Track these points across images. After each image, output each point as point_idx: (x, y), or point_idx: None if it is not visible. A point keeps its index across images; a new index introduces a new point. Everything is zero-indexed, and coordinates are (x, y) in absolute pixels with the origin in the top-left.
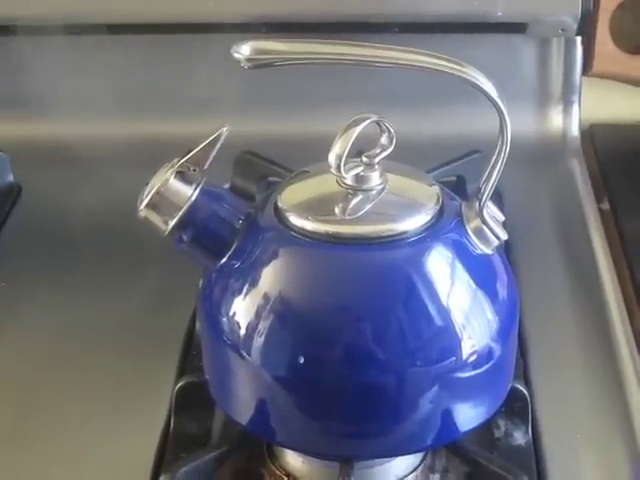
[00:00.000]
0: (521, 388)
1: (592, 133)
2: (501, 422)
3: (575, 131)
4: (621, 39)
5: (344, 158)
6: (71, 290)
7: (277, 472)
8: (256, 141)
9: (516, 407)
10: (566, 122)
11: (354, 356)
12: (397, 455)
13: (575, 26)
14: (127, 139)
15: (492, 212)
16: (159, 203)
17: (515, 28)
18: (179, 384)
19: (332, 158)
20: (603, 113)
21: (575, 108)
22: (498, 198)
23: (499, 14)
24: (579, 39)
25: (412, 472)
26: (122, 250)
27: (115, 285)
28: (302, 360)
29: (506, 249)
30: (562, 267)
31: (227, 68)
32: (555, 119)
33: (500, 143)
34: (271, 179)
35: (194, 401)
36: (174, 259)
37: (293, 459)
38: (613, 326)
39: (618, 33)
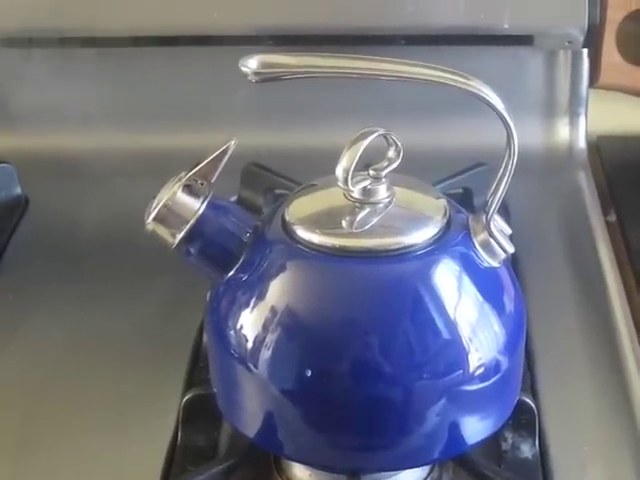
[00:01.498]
0: (528, 401)
1: (599, 145)
2: (508, 435)
3: (582, 143)
4: (628, 51)
5: (351, 171)
6: (78, 301)
7: None
8: (263, 153)
9: (523, 420)
10: (573, 134)
11: (361, 369)
12: (404, 468)
13: (582, 38)
14: (134, 152)
15: (499, 225)
16: (167, 216)
17: (522, 40)
18: (186, 397)
19: (339, 171)
20: (610, 125)
21: (582, 120)
22: (505, 211)
23: (506, 26)
24: (585, 51)
25: None
26: (129, 262)
27: (122, 297)
28: (309, 373)
29: (513, 262)
30: (569, 279)
31: (233, 80)
32: (562, 131)
33: (507, 156)
34: (278, 191)
35: (201, 413)
36: (181, 271)
37: (300, 472)
38: (620, 338)
39: (625, 45)
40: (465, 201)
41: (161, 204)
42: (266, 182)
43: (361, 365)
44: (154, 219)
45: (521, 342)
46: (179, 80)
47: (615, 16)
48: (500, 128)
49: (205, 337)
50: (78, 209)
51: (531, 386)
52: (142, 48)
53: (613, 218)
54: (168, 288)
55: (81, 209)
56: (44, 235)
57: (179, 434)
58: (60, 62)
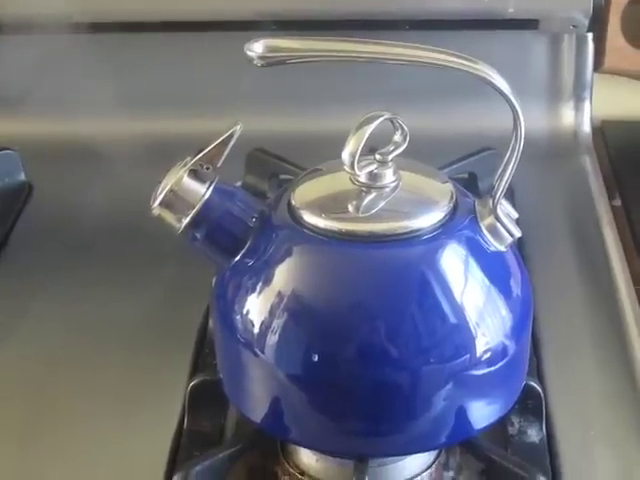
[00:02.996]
0: (535, 385)
1: (603, 129)
2: (515, 419)
3: (587, 127)
4: (632, 35)
5: (357, 156)
6: (82, 288)
7: (291, 470)
8: (267, 139)
9: (530, 404)
10: (578, 118)
11: (368, 354)
12: (412, 453)
13: (586, 22)
14: (139, 137)
15: (506, 209)
16: (172, 201)
17: (526, 24)
18: (193, 382)
19: (346, 156)
20: (614, 109)
21: (586, 104)
22: (510, 195)
23: (510, 10)
24: (590, 35)
25: (426, 470)
26: (134, 248)
27: (127, 283)
28: (316, 358)
29: (518, 246)
30: (575, 264)
31: (238, 66)
32: (566, 115)
33: (514, 140)
34: (283, 177)
35: (208, 399)
36: (187, 257)
37: (307, 457)
38: (626, 323)
39: (629, 29)
40: (470, 186)
41: (167, 189)
42: (271, 167)
43: (368, 349)
44: (160, 204)
45: (528, 326)
46: (183, 66)
47: (620, 0)
48: (506, 112)
49: (211, 323)
50: (82, 195)
51: (537, 370)
52: (146, 33)
53: (618, 202)
54: (173, 274)
55: (85, 195)
56: (48, 221)
57: (185, 419)
58: (64, 47)
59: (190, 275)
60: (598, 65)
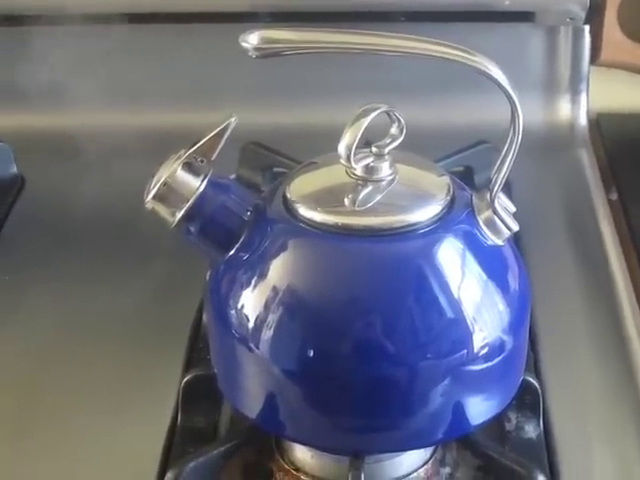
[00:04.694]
0: (532, 381)
1: (599, 122)
2: (512, 415)
3: (583, 120)
4: (629, 28)
5: (354, 148)
6: (75, 282)
7: (286, 467)
8: (262, 132)
9: (527, 400)
10: (574, 111)
11: (364, 349)
12: (408, 449)
13: (583, 14)
14: (132, 130)
15: (503, 203)
16: (166, 195)
17: (523, 17)
18: (186, 377)
19: (342, 149)
20: (610, 103)
21: (583, 97)
22: (507, 189)
23: (507, 3)
24: (587, 28)
25: (423, 466)
26: (127, 242)
27: (120, 277)
28: (312, 353)
29: (515, 240)
30: (572, 257)
31: (232, 58)
32: (563, 108)
33: (511, 133)
34: (277, 170)
35: (201, 394)
36: (179, 251)
37: (302, 454)
38: (624, 317)
39: (626, 22)
40: (466, 179)
41: (160, 182)
42: (265, 161)
43: (364, 345)
44: (153, 197)
45: (525, 321)
46: (176, 58)
47: None
48: (502, 105)
49: (205, 317)
50: (75, 188)
51: (534, 366)
52: (139, 25)
53: (614, 196)
54: (167, 268)
55: (78, 188)
56: (40, 215)
57: (179, 415)
58: (56, 39)
59: (183, 269)
60: (595, 58)
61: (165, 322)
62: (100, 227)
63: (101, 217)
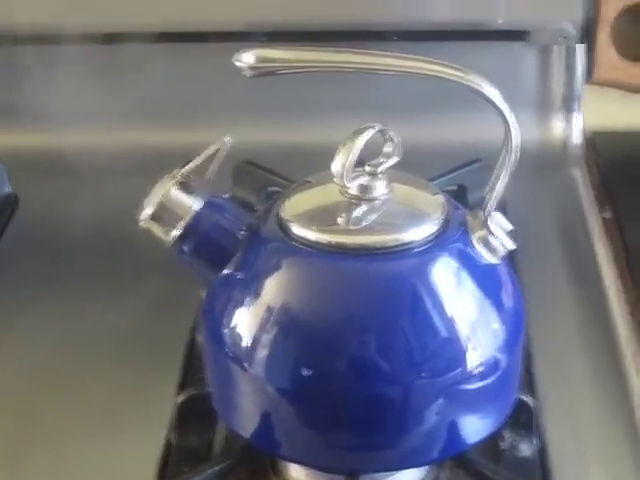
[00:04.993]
0: (526, 400)
1: (593, 141)
2: (507, 434)
3: (577, 139)
4: (623, 47)
5: (347, 167)
6: (69, 301)
7: None
8: (255, 151)
9: (522, 419)
10: (567, 130)
11: (359, 368)
12: (403, 468)
13: (576, 33)
14: (125, 149)
15: (498, 221)
16: (161, 214)
17: (516, 36)
18: (181, 397)
19: (336, 168)
20: (604, 121)
21: (576, 116)
22: (503, 207)
23: (500, 22)
24: (580, 46)
25: None
26: (121, 261)
27: (114, 296)
28: (306, 372)
29: (509, 258)
30: (566, 276)
31: (226, 77)
32: (556, 127)
33: (505, 151)
34: (271, 189)
35: (196, 414)
36: (173, 270)
37: (297, 473)
38: (618, 334)
39: (620, 40)
40: (460, 198)
41: (155, 202)
42: (259, 180)
43: (358, 364)
44: (148, 217)
45: (520, 339)
46: (170, 77)
47: (609, 11)
48: (495, 123)
49: (198, 337)
50: (69, 208)
51: (529, 385)
52: (134, 44)
53: (608, 214)
54: (160, 287)
55: (72, 208)
56: (35, 234)
57: (173, 435)
58: (48, 59)
59: (177, 289)
60: (588, 77)
61: (159, 342)
62: (94, 246)
63: (95, 236)
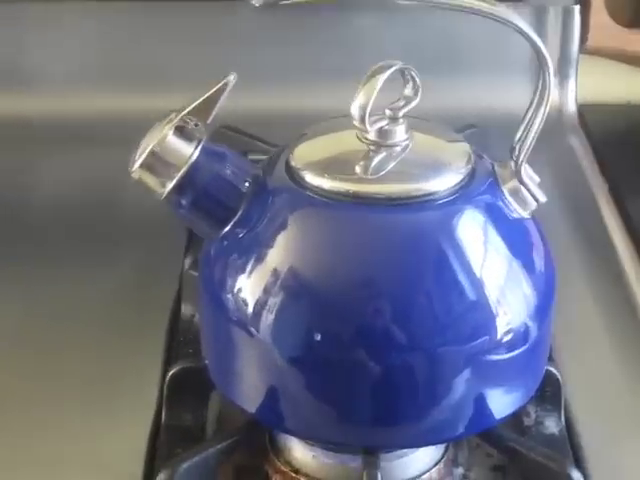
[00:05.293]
0: (554, 371)
1: (582, 113)
2: (531, 409)
3: (572, 105)
4: (616, 12)
5: (369, 108)
6: (43, 272)
7: (283, 468)
8: (235, 115)
9: (548, 392)
10: (562, 96)
11: (376, 333)
12: (426, 444)
13: None
14: (94, 114)
15: (529, 173)
16: (155, 163)
17: None
18: (172, 371)
19: (355, 109)
20: (594, 94)
21: (572, 82)
22: None
23: None
24: (577, 8)
25: (434, 466)
26: (98, 229)
27: (92, 265)
28: (319, 338)
29: None
30: (575, 242)
31: (208, 39)
32: (552, 93)
33: (540, 88)
34: (252, 157)
35: (186, 389)
36: (154, 237)
37: (302, 454)
38: (637, 304)
39: (613, 5)
40: None
41: (149, 149)
42: (239, 146)
43: (376, 328)
44: (140, 166)
45: (552, 306)
46: (145, 36)
47: None
48: (486, 90)
49: (183, 307)
50: (35, 176)
51: (550, 357)
52: (113, 2)
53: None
54: (141, 255)
55: (38, 175)
56: (7, 200)
57: (163, 412)
58: (16, 18)
59: (158, 257)
60: (582, 42)
61: (141, 313)
62: (69, 213)
63: (70, 204)
